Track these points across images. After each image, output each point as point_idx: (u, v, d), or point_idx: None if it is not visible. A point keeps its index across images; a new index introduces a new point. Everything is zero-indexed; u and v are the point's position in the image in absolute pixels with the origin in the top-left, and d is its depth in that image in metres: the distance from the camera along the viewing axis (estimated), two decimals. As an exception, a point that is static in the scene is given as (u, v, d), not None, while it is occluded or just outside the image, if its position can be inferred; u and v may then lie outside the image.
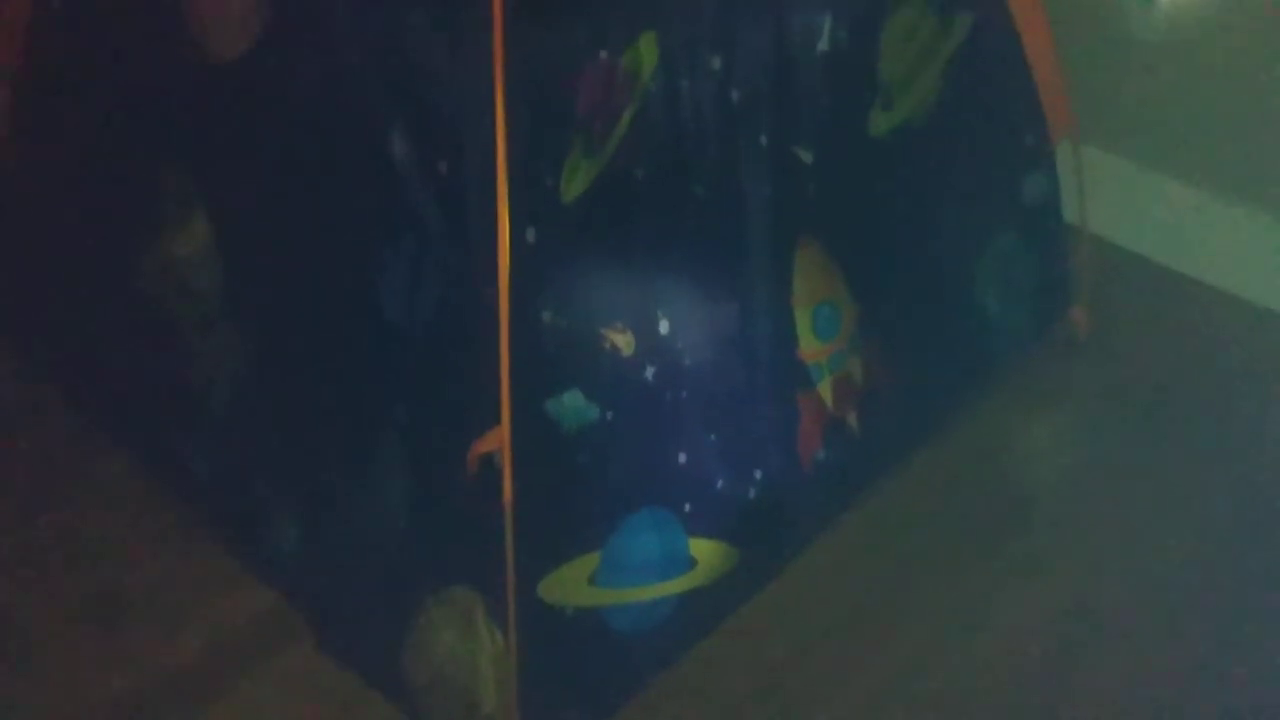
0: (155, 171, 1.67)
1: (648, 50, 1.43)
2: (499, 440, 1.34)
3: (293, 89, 1.51)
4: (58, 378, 1.89)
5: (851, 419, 1.69)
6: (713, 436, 1.56)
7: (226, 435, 1.68)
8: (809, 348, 1.65)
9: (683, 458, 1.53)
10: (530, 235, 1.35)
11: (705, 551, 1.57)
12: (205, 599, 1.66)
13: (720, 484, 1.58)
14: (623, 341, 1.46)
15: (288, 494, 1.63)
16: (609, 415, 1.45)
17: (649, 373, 1.49)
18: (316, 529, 1.61)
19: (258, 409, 1.64)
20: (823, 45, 1.60)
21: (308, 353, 1.58)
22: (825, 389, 1.66)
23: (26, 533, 1.74)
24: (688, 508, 1.55)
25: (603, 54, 1.40)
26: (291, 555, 1.63)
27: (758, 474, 1.60)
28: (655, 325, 1.49)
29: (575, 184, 1.39)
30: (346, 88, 1.45)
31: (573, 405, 1.42)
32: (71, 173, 1.80)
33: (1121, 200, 2.09)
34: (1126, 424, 1.92)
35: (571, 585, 1.47)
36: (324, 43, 1.46)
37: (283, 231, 1.57)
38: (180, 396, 1.71)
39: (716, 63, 1.51)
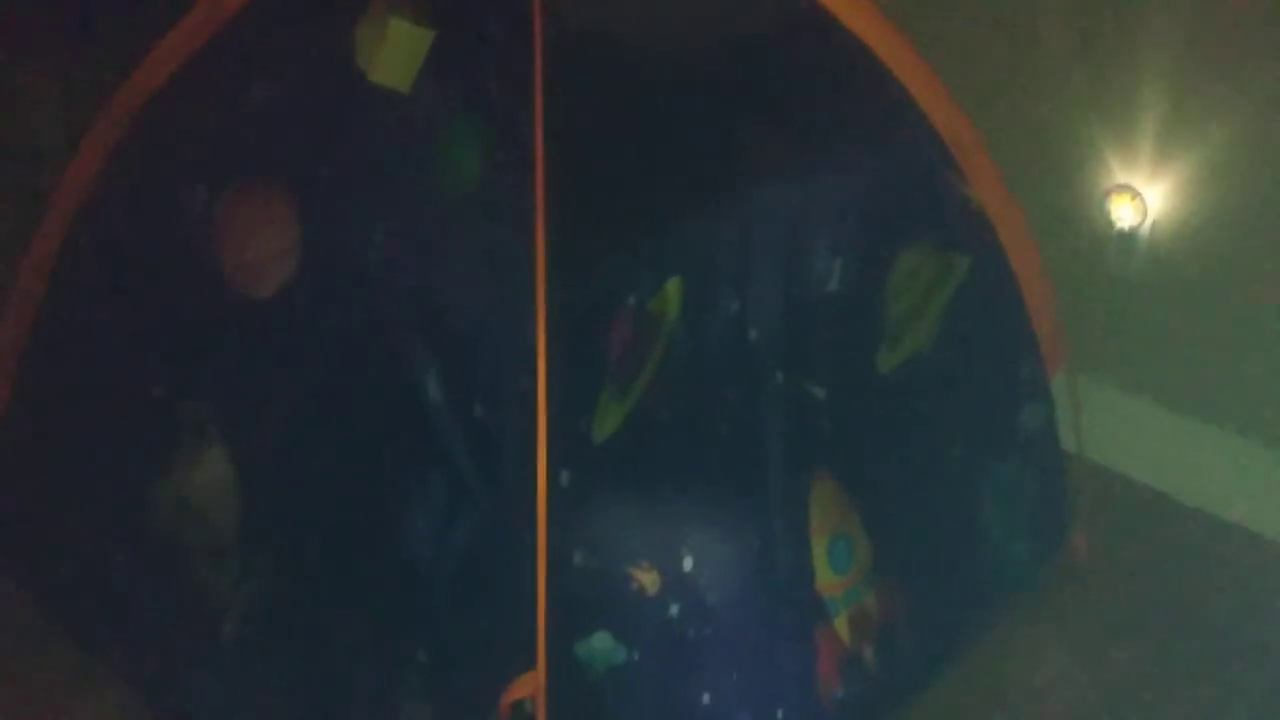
0: (173, 404, 1.68)
1: (674, 295, 1.48)
2: (534, 686, 1.33)
3: (324, 328, 1.54)
4: (59, 609, 1.86)
5: (868, 654, 1.69)
6: (735, 675, 1.55)
7: (236, 670, 1.65)
8: (825, 581, 1.66)
9: (707, 698, 1.52)
10: (564, 478, 1.37)
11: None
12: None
13: (744, 725, 1.56)
14: (648, 580, 1.47)
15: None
16: (636, 655, 1.44)
17: (674, 610, 1.49)
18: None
19: (271, 644, 1.61)
20: (833, 285, 1.67)
21: (325, 588, 1.57)
22: (841, 624, 1.66)
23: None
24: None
25: (631, 299, 1.45)
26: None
27: (780, 714, 1.59)
28: (679, 562, 1.50)
29: (605, 426, 1.42)
30: (380, 329, 1.48)
31: (601, 647, 1.41)
32: (87, 400, 1.80)
33: (1116, 427, 2.14)
34: (1130, 649, 1.93)
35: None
36: (360, 285, 1.50)
37: (305, 467, 1.58)
38: (189, 628, 1.68)
39: (735, 305, 1.57)
